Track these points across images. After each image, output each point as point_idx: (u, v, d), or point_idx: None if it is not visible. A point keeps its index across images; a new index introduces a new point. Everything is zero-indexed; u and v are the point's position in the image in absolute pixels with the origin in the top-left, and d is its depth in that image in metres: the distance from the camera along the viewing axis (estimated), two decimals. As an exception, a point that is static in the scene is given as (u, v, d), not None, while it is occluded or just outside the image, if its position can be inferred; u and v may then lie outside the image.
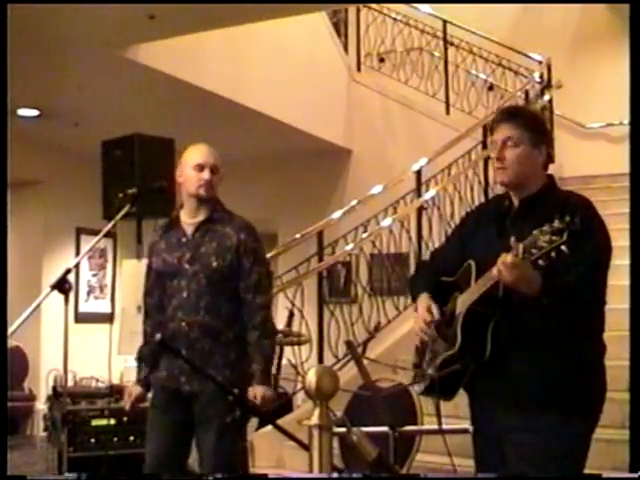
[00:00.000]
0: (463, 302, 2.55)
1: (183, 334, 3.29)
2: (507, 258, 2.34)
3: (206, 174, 3.32)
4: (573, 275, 2.39)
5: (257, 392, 3.20)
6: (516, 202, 2.63)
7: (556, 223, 2.26)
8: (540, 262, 2.31)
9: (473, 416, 2.70)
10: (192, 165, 3.35)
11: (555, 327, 2.45)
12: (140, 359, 3.47)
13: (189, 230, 3.38)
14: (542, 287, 2.36)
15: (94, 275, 9.61)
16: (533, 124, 2.63)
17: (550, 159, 2.67)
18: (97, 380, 7.71)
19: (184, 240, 3.38)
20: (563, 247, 2.26)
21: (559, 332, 2.45)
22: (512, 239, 2.36)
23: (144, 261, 3.89)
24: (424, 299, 2.69)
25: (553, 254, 2.28)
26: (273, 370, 6.03)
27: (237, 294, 3.33)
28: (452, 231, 3.00)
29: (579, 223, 2.25)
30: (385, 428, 2.83)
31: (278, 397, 6.02)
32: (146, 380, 3.42)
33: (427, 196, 6.82)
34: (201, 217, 3.37)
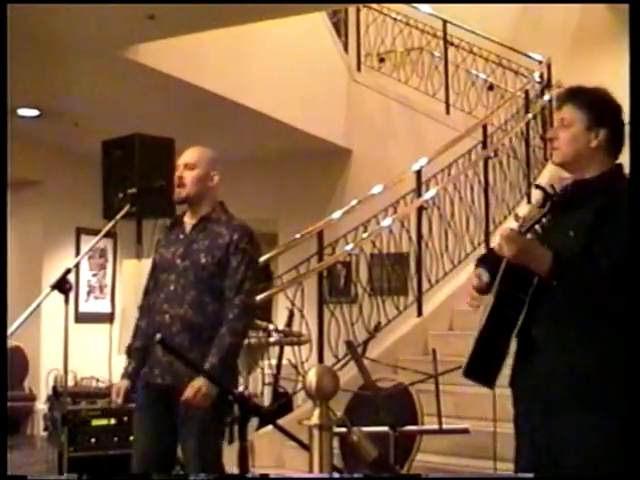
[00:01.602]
0: (496, 283, 2.48)
1: (165, 327, 3.30)
2: (503, 231, 2.34)
3: (177, 174, 3.42)
4: (603, 261, 2.30)
5: (195, 384, 3.14)
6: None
7: (540, 197, 2.27)
8: (528, 235, 2.30)
9: (515, 415, 2.58)
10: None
11: (580, 318, 2.36)
12: (129, 354, 3.49)
13: (188, 228, 3.45)
14: (553, 267, 2.31)
15: (94, 275, 9.61)
16: (593, 104, 2.51)
17: (617, 144, 2.51)
18: (97, 380, 7.72)
19: (182, 237, 3.45)
20: (544, 219, 2.26)
21: (590, 323, 2.35)
22: (519, 213, 2.36)
23: (144, 261, 3.90)
24: (476, 267, 2.62)
25: (537, 227, 2.28)
26: (273, 370, 6.10)
27: (223, 294, 3.33)
28: None
29: (559, 194, 2.24)
30: (385, 428, 2.83)
31: (278, 397, 6.04)
32: (133, 375, 3.42)
33: (427, 196, 6.81)
34: (198, 217, 3.43)
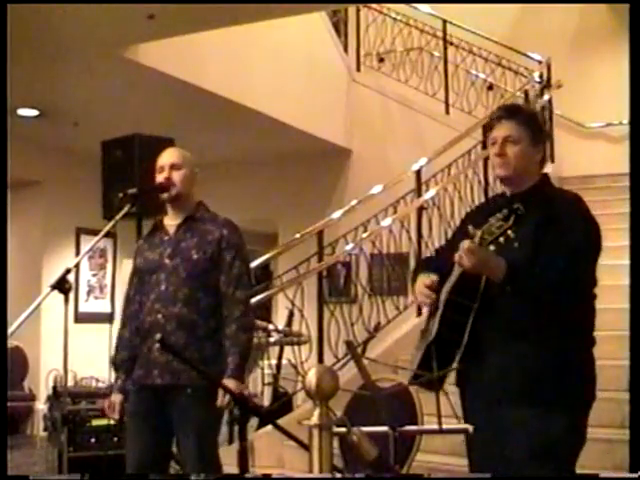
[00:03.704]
0: (445, 291, 2.59)
1: (159, 326, 3.29)
2: (464, 244, 2.43)
3: (164, 175, 3.41)
4: (552, 268, 2.44)
5: (228, 387, 3.12)
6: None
7: (505, 210, 2.38)
8: (491, 247, 2.41)
9: (463, 413, 2.70)
10: (156, 171, 3.47)
11: (532, 319, 2.48)
12: (116, 367, 3.46)
13: (171, 230, 3.45)
14: (507, 275, 2.43)
15: (94, 275, 9.61)
16: (533, 123, 2.69)
17: (546, 158, 2.74)
18: (97, 380, 7.72)
19: (166, 238, 3.45)
20: (509, 232, 2.36)
21: (536, 324, 2.48)
22: (470, 227, 2.48)
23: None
24: (421, 276, 2.74)
25: (502, 239, 2.38)
26: (273, 370, 6.10)
27: (216, 288, 3.34)
28: (453, 231, 3.04)
29: (522, 209, 2.35)
30: (385, 428, 2.83)
31: (278, 397, 6.04)
32: (124, 388, 3.41)
33: (427, 196, 6.82)
34: (182, 217, 3.44)
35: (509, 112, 2.69)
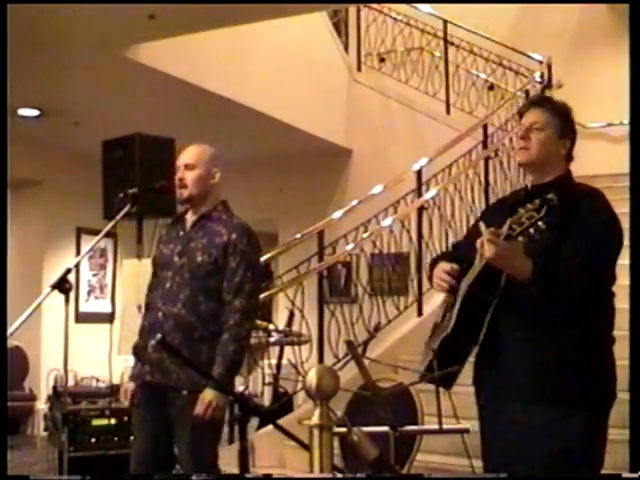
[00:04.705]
0: (465, 284, 2.53)
1: (158, 324, 3.29)
2: (486, 235, 2.37)
3: (178, 175, 3.40)
4: (573, 261, 2.39)
5: (205, 396, 3.11)
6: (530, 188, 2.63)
7: (537, 200, 2.31)
8: (520, 238, 2.34)
9: (479, 411, 2.66)
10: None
11: (552, 315, 2.43)
12: (134, 354, 3.46)
13: (188, 225, 3.43)
14: (533, 277, 2.37)
15: (94, 275, 9.61)
16: (562, 114, 2.65)
17: (573, 155, 2.69)
18: (97, 380, 7.74)
19: (181, 234, 3.43)
20: (540, 223, 2.30)
21: (556, 320, 2.44)
22: (480, 223, 2.43)
23: (144, 261, 3.90)
24: (440, 263, 2.69)
25: (532, 230, 2.32)
26: (273, 370, 6.09)
27: (219, 293, 3.28)
28: (473, 223, 3.00)
29: (556, 199, 2.29)
30: (385, 428, 2.83)
31: (278, 397, 6.03)
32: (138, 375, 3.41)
33: (427, 196, 6.81)
34: (200, 213, 3.40)
35: (539, 100, 2.70)
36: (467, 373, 2.69)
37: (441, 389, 2.63)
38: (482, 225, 2.42)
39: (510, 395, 2.49)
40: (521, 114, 2.67)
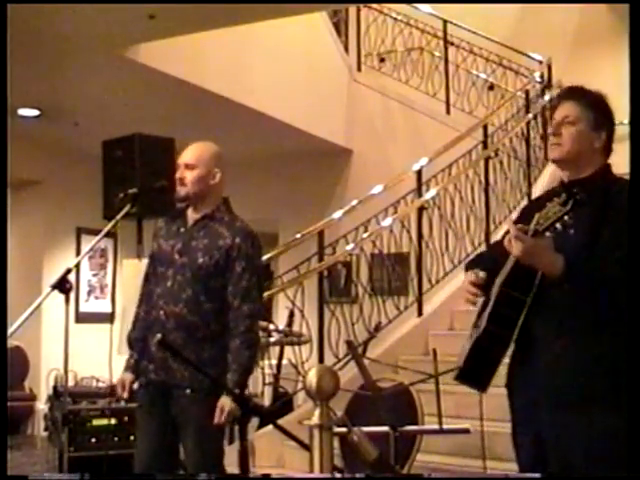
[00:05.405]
0: (497, 284, 2.46)
1: (160, 323, 3.29)
2: (513, 231, 2.30)
3: (178, 174, 3.39)
4: (613, 262, 2.29)
5: (222, 403, 3.12)
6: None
7: (563, 195, 2.25)
8: (547, 233, 2.28)
9: (512, 415, 2.57)
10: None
11: (588, 317, 2.35)
12: (130, 345, 3.45)
13: (190, 222, 3.41)
14: (564, 273, 2.30)
15: (94, 275, 9.61)
16: (597, 106, 2.55)
17: (611, 148, 2.58)
18: (97, 380, 7.73)
19: (182, 230, 3.41)
20: (566, 217, 2.25)
21: (592, 323, 2.35)
22: (536, 215, 2.33)
23: (144, 261, 3.89)
24: (469, 272, 2.61)
25: (559, 225, 2.27)
26: (273, 370, 6.10)
27: (220, 294, 3.27)
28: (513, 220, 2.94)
29: (585, 195, 2.23)
30: (386, 428, 2.83)
31: (279, 397, 6.04)
32: (135, 367, 3.39)
33: (428, 196, 6.81)
34: (202, 213, 3.39)
35: (571, 92, 2.57)
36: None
37: (440, 390, 2.62)
38: (510, 222, 2.37)
39: (547, 397, 2.41)
40: (553, 107, 2.58)
